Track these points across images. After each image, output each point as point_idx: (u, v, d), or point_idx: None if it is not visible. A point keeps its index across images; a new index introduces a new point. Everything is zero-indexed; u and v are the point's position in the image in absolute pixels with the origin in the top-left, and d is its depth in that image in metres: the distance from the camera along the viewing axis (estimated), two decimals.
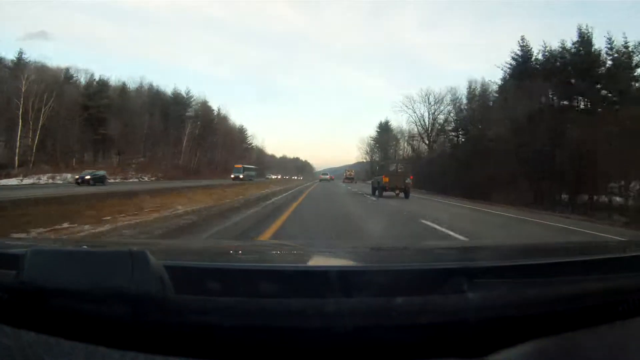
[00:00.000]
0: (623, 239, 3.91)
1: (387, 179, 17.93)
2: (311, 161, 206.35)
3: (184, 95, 68.20)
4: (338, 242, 3.63)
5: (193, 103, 67.40)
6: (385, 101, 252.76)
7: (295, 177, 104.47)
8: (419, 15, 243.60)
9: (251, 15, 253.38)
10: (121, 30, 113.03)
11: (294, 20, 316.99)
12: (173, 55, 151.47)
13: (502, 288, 0.70)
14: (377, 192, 18.92)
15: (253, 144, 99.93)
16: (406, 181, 17.93)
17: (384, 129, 79.35)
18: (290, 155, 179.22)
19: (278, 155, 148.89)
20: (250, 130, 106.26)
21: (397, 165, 20.75)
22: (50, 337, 0.59)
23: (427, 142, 45.58)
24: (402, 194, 17.83)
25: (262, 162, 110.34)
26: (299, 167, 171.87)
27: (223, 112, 78.81)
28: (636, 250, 1.09)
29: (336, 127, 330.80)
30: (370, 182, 25.56)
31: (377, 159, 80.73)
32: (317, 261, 1.13)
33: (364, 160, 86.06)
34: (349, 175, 62.31)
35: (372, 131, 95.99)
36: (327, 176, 74.45)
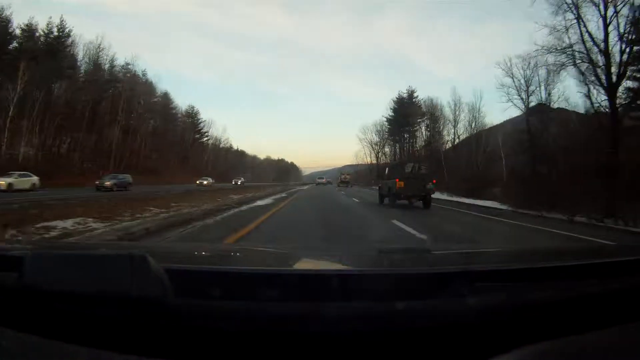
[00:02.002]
0: (621, 243, 4.32)
1: (401, 184, 13.08)
2: (300, 164, 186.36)
3: (41, 31, 37.24)
4: (339, 247, 3.51)
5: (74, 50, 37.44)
6: (374, 106, 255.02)
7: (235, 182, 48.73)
8: (409, 20, 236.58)
9: (240, 18, 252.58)
10: (110, 32, 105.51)
11: (282, 24, 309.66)
12: (162, 59, 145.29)
13: (502, 292, 0.70)
14: (386, 200, 14.58)
15: (207, 133, 69.97)
16: (427, 186, 13.29)
17: (406, 104, 49.33)
18: (275, 157, 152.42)
19: (262, 156, 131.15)
20: (204, 115, 77.69)
21: (416, 166, 14.47)
22: (52, 340, 0.58)
23: (604, 84, 13.68)
24: (413, 201, 13.62)
25: (229, 161, 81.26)
26: (284, 169, 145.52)
27: (154, 79, 51.09)
28: (635, 253, 1.08)
29: (325, 131, 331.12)
30: (377, 187, 18.36)
31: (388, 153, 53.23)
32: (318, 265, 1.12)
33: (363, 162, 71.23)
34: (344, 179, 55.46)
35: (377, 117, 68.88)
36: (323, 180, 67.21)
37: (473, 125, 38.83)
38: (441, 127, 42.77)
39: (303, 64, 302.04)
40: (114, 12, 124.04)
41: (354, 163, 77.59)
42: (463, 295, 0.65)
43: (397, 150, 55.27)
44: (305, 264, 1.10)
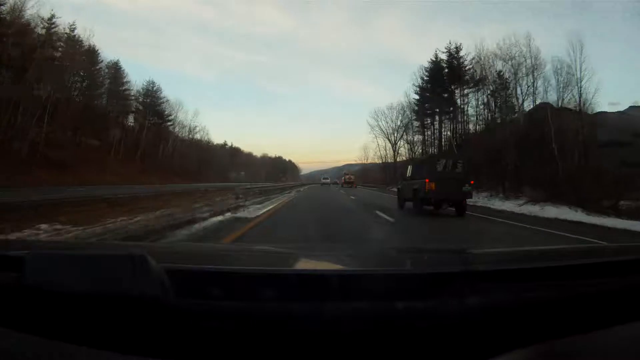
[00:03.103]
0: (622, 244, 4.03)
1: (432, 185, 10.14)
2: (299, 164, 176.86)
3: None
4: (339, 246, 3.30)
5: None
6: (374, 105, 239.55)
7: None
8: (407, 20, 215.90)
9: (239, 17, 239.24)
10: (107, 31, 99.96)
11: (281, 22, 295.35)
12: (160, 58, 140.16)
13: (503, 292, 0.70)
14: (407, 205, 11.91)
15: (171, 118, 53.72)
16: (464, 189, 10.41)
17: (448, 67, 33.53)
18: (272, 154, 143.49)
19: (258, 154, 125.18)
20: (169, 93, 63.18)
21: (449, 162, 10.96)
22: (52, 340, 0.59)
23: None
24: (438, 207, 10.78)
25: (216, 158, 67.15)
26: (281, 168, 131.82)
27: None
28: (635, 254, 1.07)
29: (324, 130, 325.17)
30: (398, 188, 14.16)
31: (416, 141, 45.37)
32: (318, 265, 1.12)
33: (364, 161, 63.87)
34: (349, 179, 48.15)
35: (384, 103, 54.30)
36: (328, 180, 63.19)
37: (571, 93, 22.87)
38: (519, 95, 25.58)
39: (302, 63, 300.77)
40: (111, 9, 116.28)
41: (354, 162, 71.29)
42: (463, 296, 0.65)
43: (433, 135, 38.87)
44: (305, 264, 1.10)
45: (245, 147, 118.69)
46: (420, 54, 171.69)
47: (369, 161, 61.64)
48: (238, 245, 3.74)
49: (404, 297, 0.65)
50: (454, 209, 10.61)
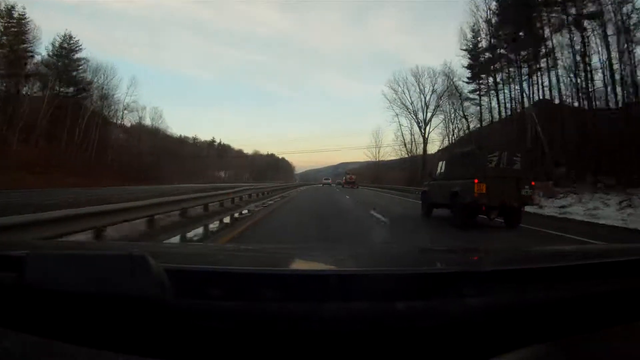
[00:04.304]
0: (625, 244, 3.92)
1: (483, 187, 7.45)
2: (294, 162, 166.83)
3: None
4: (339, 246, 3.32)
5: None
6: (372, 105, 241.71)
7: None
8: (406, 20, 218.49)
9: (237, 18, 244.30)
10: (105, 31, 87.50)
11: (277, 19, 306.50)
12: (157, 57, 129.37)
13: (505, 292, 0.70)
14: (436, 212, 9.63)
15: (89, 88, 36.98)
16: (523, 192, 7.82)
17: None
18: (264, 152, 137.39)
19: (249, 151, 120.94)
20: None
21: (504, 155, 7.95)
22: (52, 340, 0.59)
23: None
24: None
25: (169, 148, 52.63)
26: (273, 166, 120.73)
27: None
28: (637, 254, 1.07)
29: (321, 130, 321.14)
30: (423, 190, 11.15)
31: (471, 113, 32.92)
32: (318, 265, 1.12)
33: (361, 160, 60.89)
34: (350, 179, 45.59)
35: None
36: (329, 180, 61.67)
37: None
38: None
39: (297, 62, 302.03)
40: (107, 7, 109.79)
41: (351, 161, 67.64)
42: (465, 296, 0.65)
43: (504, 101, 23.61)
44: (305, 264, 1.10)
45: (238, 145, 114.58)
46: (419, 53, 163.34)
47: (381, 156, 47.62)
48: (238, 245, 3.76)
49: (405, 297, 0.64)
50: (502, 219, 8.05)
